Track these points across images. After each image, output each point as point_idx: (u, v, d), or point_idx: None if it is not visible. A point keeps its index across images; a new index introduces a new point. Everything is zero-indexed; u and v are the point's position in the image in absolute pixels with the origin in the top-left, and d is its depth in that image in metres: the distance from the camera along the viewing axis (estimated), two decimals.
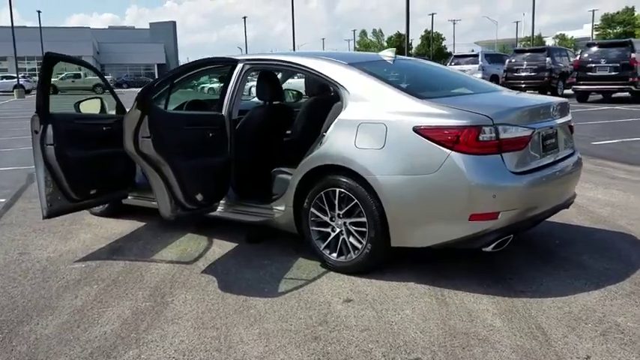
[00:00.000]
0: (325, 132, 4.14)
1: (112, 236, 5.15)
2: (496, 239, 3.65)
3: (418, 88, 4.16)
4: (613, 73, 18.25)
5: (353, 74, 4.20)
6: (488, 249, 3.67)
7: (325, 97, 4.94)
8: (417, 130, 3.69)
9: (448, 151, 3.59)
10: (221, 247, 4.76)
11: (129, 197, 5.27)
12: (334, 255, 4.12)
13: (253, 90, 5.88)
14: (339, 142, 4.00)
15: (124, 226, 5.43)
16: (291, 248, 4.62)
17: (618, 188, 6.52)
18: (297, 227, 4.35)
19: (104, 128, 4.81)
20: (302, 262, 4.32)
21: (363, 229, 3.94)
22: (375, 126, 3.86)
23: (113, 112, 5.26)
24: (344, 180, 3.97)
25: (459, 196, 3.57)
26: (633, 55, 17.94)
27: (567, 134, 4.41)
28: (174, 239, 5.01)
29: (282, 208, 4.45)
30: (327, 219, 4.13)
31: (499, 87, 5.01)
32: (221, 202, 4.79)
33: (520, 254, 4.34)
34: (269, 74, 5.07)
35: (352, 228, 4.02)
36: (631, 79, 17.84)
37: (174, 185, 3.96)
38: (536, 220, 3.99)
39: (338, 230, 4.10)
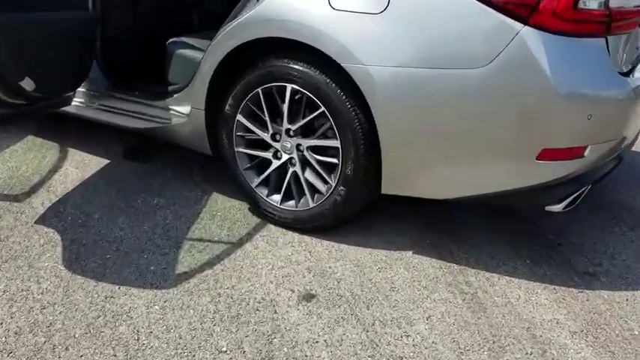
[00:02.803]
0: None
1: None
2: (572, 192, 2.06)
3: None
4: None
5: None
6: (557, 208, 2.08)
7: None
8: None
9: (518, 24, 1.84)
10: (81, 165, 2.87)
11: None
12: (276, 197, 2.39)
13: None
14: None
15: None
16: (200, 174, 2.82)
17: None
18: (210, 145, 2.53)
19: None
20: (218, 204, 2.56)
21: (333, 161, 2.21)
22: None
23: None
24: (303, 70, 2.15)
25: (527, 115, 1.89)
26: None
27: None
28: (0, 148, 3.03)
29: (184, 109, 2.58)
30: (266, 136, 2.34)
31: None
32: (81, 90, 2.85)
33: None
34: None
35: (312, 156, 2.27)
36: None
37: None
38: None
39: (285, 158, 2.34)
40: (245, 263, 2.14)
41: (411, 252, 2.26)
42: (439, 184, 2.08)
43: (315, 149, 2.26)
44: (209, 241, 2.27)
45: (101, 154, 3.01)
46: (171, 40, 2.79)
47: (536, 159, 1.92)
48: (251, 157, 2.43)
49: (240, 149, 2.42)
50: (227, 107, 2.37)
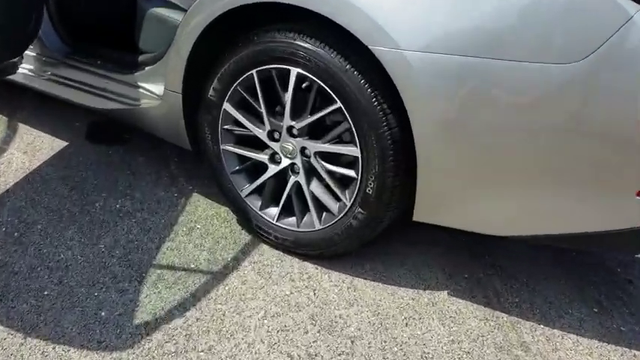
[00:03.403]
0: None
1: None
2: None
3: None
4: None
5: None
6: None
7: None
8: None
9: (633, 5, 1.26)
10: (30, 149, 2.29)
11: None
12: (272, 211, 1.84)
13: None
14: None
15: None
16: (178, 165, 2.26)
17: None
18: (189, 138, 1.96)
19: None
20: (198, 211, 2.01)
21: (349, 174, 1.65)
22: None
23: None
24: (315, 50, 1.56)
25: (634, 132, 1.33)
26: None
27: None
28: None
29: (157, 88, 2.00)
30: (261, 133, 1.77)
31: None
32: (30, 54, 2.26)
33: None
34: None
35: (322, 165, 1.71)
36: None
37: None
38: None
39: (286, 163, 1.77)
40: (229, 308, 1.61)
41: (445, 293, 1.74)
42: (497, 216, 1.53)
43: (325, 156, 1.70)
44: (183, 269, 1.74)
45: (58, 133, 2.44)
46: None
47: (637, 195, 1.37)
48: (241, 158, 1.87)
49: (228, 147, 1.85)
50: (211, 92, 1.79)
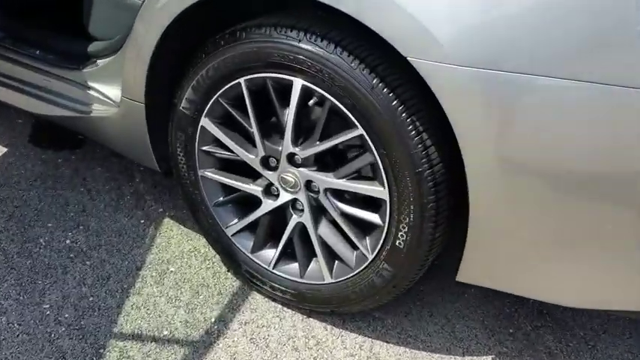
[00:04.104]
0: None
1: None
2: None
3: None
4: None
5: None
6: None
7: None
8: None
9: None
10: None
11: None
12: (267, 254, 1.44)
13: None
14: None
15: None
16: (144, 177, 1.82)
17: None
18: (156, 155, 1.52)
19: None
20: (171, 246, 1.60)
21: (372, 219, 1.25)
22: None
23: None
24: (329, 58, 1.12)
25: None
26: None
27: None
28: None
29: (112, 92, 1.54)
30: (252, 158, 1.34)
31: None
32: None
33: None
34: None
35: (334, 204, 1.29)
36: None
37: None
38: None
39: (286, 199, 1.35)
40: None
41: (489, 359, 1.38)
42: (568, 285, 1.16)
43: (340, 194, 1.29)
44: (153, 339, 1.34)
45: None
46: None
47: None
48: (226, 188, 1.45)
49: (208, 173, 1.42)
50: (184, 103, 1.35)
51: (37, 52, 1.70)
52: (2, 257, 1.50)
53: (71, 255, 1.54)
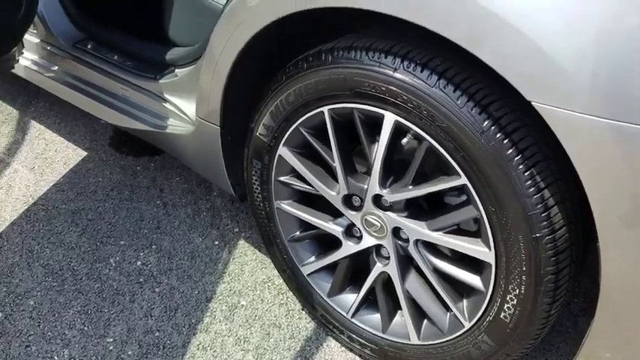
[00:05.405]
0: None
1: None
2: None
3: None
4: None
5: None
6: None
7: None
8: None
9: None
10: (39, 161, 1.80)
11: None
12: (345, 300, 1.27)
13: None
14: None
15: None
16: (221, 193, 1.70)
17: None
18: (231, 179, 1.38)
19: None
20: (244, 274, 1.47)
21: (472, 282, 1.05)
22: None
23: None
24: (428, 92, 0.92)
25: None
26: None
27: None
28: None
29: (188, 107, 1.41)
30: (332, 195, 1.17)
31: None
32: (32, 40, 1.72)
33: None
34: None
35: (427, 258, 1.10)
36: None
37: None
38: None
39: (370, 243, 1.17)
40: None
41: None
42: None
43: (434, 246, 1.09)
44: None
45: (76, 137, 1.93)
46: None
47: None
48: (303, 222, 1.29)
49: (283, 205, 1.27)
50: (261, 129, 1.19)
51: (115, 57, 1.61)
52: (71, 278, 1.44)
53: (141, 279, 1.45)
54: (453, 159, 0.95)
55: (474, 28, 0.82)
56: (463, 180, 0.95)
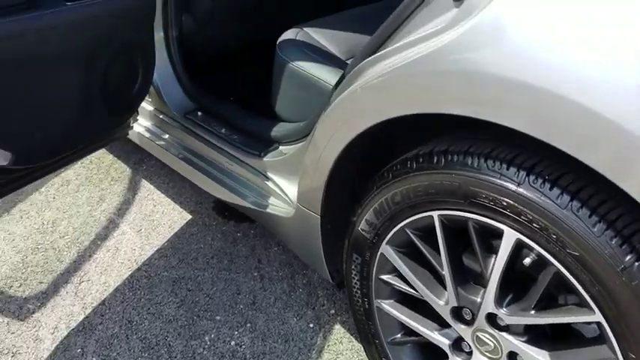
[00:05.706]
0: None
1: None
2: None
3: None
4: None
5: None
6: None
7: None
8: None
9: None
10: (146, 223, 1.84)
11: None
12: None
13: None
14: None
15: None
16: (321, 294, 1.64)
17: None
18: (329, 267, 1.32)
19: None
20: None
21: None
22: None
23: None
24: (558, 215, 0.80)
25: None
26: None
27: None
28: None
29: (290, 188, 1.37)
30: (439, 304, 1.06)
31: None
32: (146, 108, 1.80)
33: None
34: None
35: None
36: None
37: None
38: None
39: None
40: None
41: None
42: None
43: None
44: None
45: (182, 199, 1.96)
46: (286, 35, 1.55)
47: None
48: (405, 325, 1.18)
49: (384, 305, 1.17)
50: (363, 225, 1.12)
51: (223, 130, 1.62)
52: (166, 355, 1.43)
53: None
54: (586, 292, 0.81)
55: (617, 155, 0.70)
56: (597, 317, 0.81)
